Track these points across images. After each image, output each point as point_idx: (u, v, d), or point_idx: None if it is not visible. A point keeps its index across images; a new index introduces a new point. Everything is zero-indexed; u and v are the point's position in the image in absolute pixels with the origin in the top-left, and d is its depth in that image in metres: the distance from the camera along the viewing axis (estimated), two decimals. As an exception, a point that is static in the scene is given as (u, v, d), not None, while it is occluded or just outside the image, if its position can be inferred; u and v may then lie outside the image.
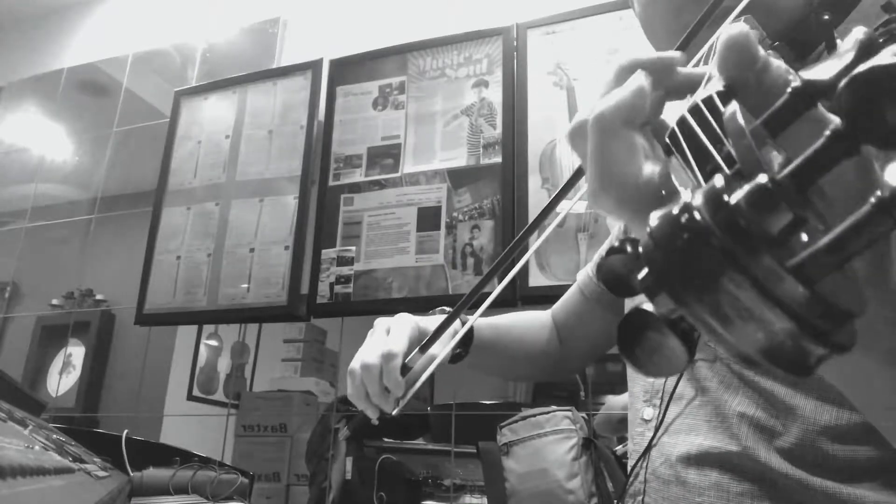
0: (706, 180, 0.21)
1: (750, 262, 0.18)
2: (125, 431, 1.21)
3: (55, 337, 2.78)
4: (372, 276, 1.68)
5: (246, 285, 1.82)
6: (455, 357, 0.78)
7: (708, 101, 0.25)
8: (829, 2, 0.45)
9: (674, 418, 0.63)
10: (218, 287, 1.86)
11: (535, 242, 0.53)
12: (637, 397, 0.71)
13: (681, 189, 0.25)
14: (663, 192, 0.29)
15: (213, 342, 2.76)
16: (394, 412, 0.64)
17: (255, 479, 1.29)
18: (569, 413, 1.33)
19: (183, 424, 2.24)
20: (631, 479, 0.68)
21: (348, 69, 1.92)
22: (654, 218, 0.20)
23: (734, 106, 0.23)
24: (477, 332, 0.80)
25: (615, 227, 0.89)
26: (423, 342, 0.66)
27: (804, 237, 0.19)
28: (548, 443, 1.30)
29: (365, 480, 1.65)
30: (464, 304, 0.61)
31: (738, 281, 0.18)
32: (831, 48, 0.44)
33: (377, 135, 1.81)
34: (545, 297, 0.96)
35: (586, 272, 0.90)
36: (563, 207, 0.47)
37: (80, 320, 2.69)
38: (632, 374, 0.74)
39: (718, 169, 0.22)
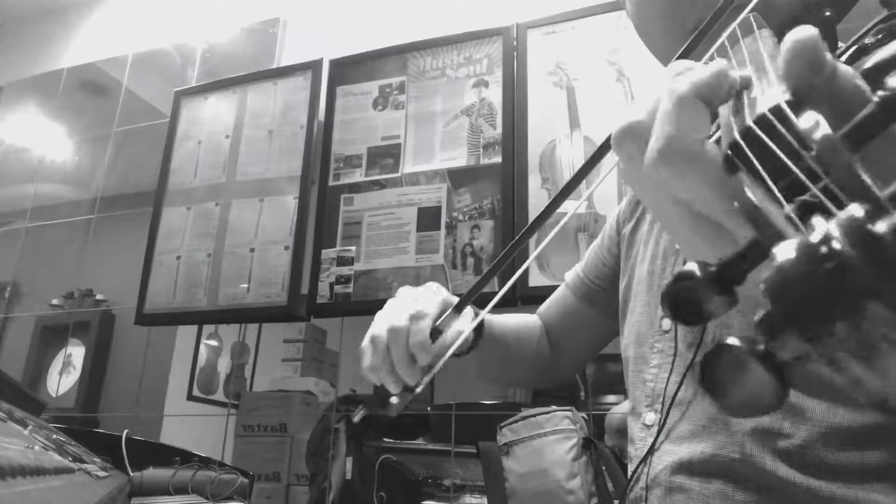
0: (786, 198, 0.20)
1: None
2: (125, 431, 1.21)
3: (55, 337, 2.78)
4: (372, 276, 1.68)
5: (246, 285, 1.82)
6: (467, 349, 0.74)
7: (776, 111, 0.23)
8: None
9: (675, 423, 0.62)
10: (218, 287, 1.86)
11: (546, 238, 0.50)
12: (639, 402, 0.68)
13: (769, 209, 0.22)
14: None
15: (213, 342, 2.76)
16: (418, 389, 0.59)
17: (255, 479, 1.29)
18: (569, 413, 1.33)
19: (183, 424, 2.24)
20: (631, 484, 0.66)
21: (348, 69, 1.92)
22: (787, 250, 0.18)
23: (815, 117, 0.21)
24: (486, 324, 0.77)
25: (607, 225, 0.86)
26: (454, 305, 0.61)
27: None
28: (548, 443, 1.30)
29: (365, 480, 1.65)
30: (492, 271, 0.56)
31: (884, 313, 0.17)
32: (833, 47, 0.43)
33: (377, 135, 1.81)
34: (545, 298, 0.95)
35: (576, 272, 0.88)
36: (569, 208, 0.45)
37: (80, 320, 2.69)
38: (632, 377, 0.71)
39: (799, 185, 0.20)
